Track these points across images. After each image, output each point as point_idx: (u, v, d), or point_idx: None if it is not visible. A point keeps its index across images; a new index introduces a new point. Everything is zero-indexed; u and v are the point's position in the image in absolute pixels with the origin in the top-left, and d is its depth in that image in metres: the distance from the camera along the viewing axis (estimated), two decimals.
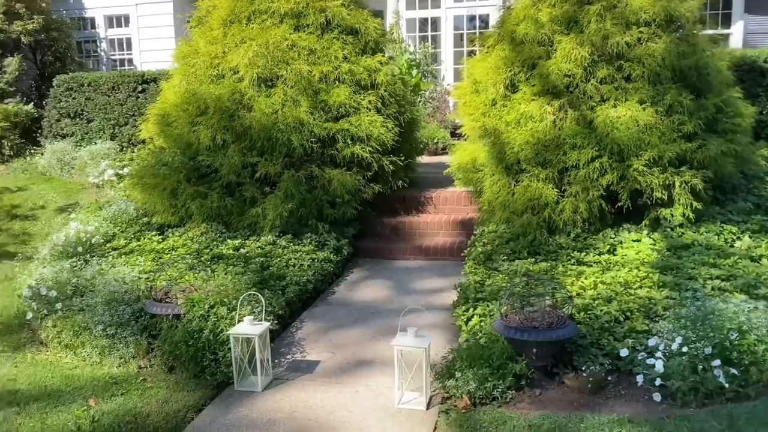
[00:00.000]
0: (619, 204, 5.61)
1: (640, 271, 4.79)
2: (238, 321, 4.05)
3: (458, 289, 4.86)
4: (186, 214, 6.32)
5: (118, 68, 12.94)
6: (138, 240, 6.11)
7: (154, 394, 3.88)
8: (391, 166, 6.59)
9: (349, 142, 6.37)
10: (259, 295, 4.33)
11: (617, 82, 5.72)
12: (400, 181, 6.91)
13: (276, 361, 4.29)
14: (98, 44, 13.11)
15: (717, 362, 3.41)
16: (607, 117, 5.57)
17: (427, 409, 3.58)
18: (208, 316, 4.24)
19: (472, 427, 3.34)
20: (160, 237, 6.15)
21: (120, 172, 8.32)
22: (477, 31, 12.18)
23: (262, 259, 5.50)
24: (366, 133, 6.36)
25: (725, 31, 11.16)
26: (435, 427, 3.42)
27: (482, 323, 4.17)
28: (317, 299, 5.50)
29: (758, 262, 4.88)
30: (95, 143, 9.54)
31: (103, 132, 9.80)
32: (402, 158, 6.77)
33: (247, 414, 3.63)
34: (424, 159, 8.83)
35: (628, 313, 4.14)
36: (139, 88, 9.77)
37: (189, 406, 3.73)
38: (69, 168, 9.20)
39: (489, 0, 11.80)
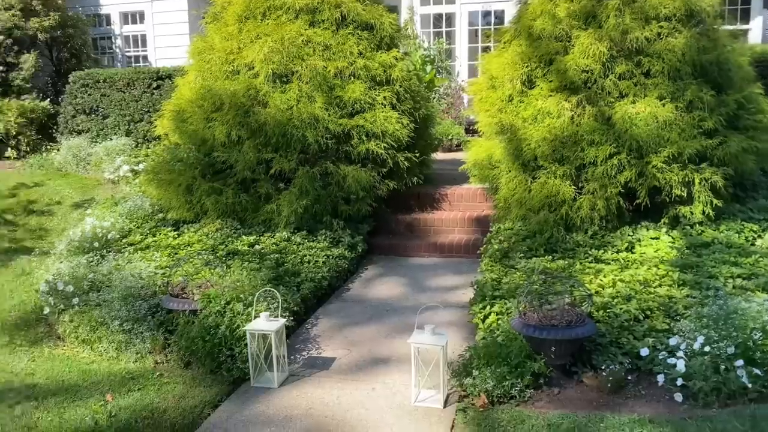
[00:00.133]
0: (638, 201, 5.54)
1: (659, 269, 4.73)
2: (255, 317, 4.04)
3: (475, 287, 4.82)
4: (201, 210, 6.32)
5: (133, 65, 12.99)
6: (154, 236, 6.12)
7: (171, 389, 3.88)
8: (406, 162, 6.55)
9: (364, 138, 6.35)
10: (276, 292, 4.32)
11: (636, 77, 5.64)
12: (415, 178, 6.88)
13: (292, 357, 4.28)
14: (113, 41, 13.17)
15: (740, 362, 3.35)
16: (626, 113, 5.50)
17: (444, 407, 3.55)
18: (224, 312, 4.24)
19: (490, 426, 3.30)
20: (175, 233, 6.16)
21: (135, 168, 8.35)
22: (492, 27, 12.10)
23: (277, 255, 5.49)
24: (381, 129, 6.33)
25: (744, 27, 11.01)
26: (452, 426, 3.39)
27: (499, 321, 4.13)
28: (332, 296, 5.49)
29: None
30: (110, 139, 9.58)
31: (119, 128, 9.84)
32: (417, 154, 6.74)
33: (263, 410, 3.62)
34: (438, 156, 8.79)
35: (648, 312, 4.09)
36: (154, 85, 9.79)
37: (205, 402, 3.73)
38: (85, 164, 9.25)
39: None
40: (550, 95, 5.84)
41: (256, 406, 3.67)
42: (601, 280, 4.57)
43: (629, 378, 3.62)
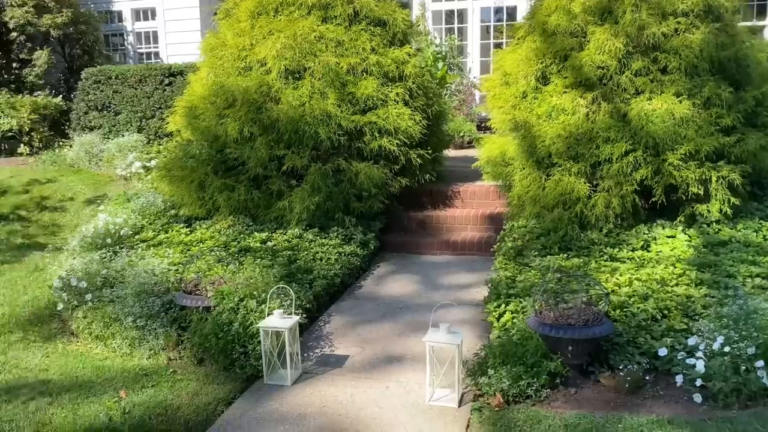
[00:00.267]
0: (653, 199, 5.47)
1: (676, 268, 4.66)
2: (268, 314, 4.03)
3: (489, 285, 4.78)
4: (213, 206, 6.32)
5: (145, 61, 13.02)
6: (166, 232, 6.12)
7: (184, 386, 3.87)
8: (418, 159, 6.52)
9: (377, 134, 6.31)
10: (289, 289, 4.30)
11: (653, 74, 5.57)
12: (428, 175, 6.84)
13: (305, 354, 4.26)
14: (125, 37, 13.21)
15: (761, 363, 3.30)
16: (642, 110, 5.44)
17: (459, 406, 3.52)
18: (237, 308, 4.22)
19: (506, 426, 3.27)
20: (187, 229, 6.16)
21: (147, 164, 8.36)
22: (504, 23, 12.03)
23: (289, 252, 5.47)
24: (394, 125, 6.30)
25: (761, 23, 10.88)
26: (468, 425, 3.36)
27: (514, 320, 4.09)
28: (344, 293, 5.47)
29: None
30: (123, 136, 9.60)
31: (130, 124, 9.86)
32: (429, 151, 6.70)
33: (277, 408, 3.61)
34: (450, 152, 8.74)
35: (666, 312, 4.03)
36: (166, 81, 9.81)
37: (219, 399, 3.72)
38: (97, 160, 9.28)
39: None
40: (565, 92, 5.78)
41: (270, 404, 3.66)
42: (617, 278, 4.52)
43: (647, 378, 3.57)
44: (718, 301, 4.01)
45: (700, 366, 3.38)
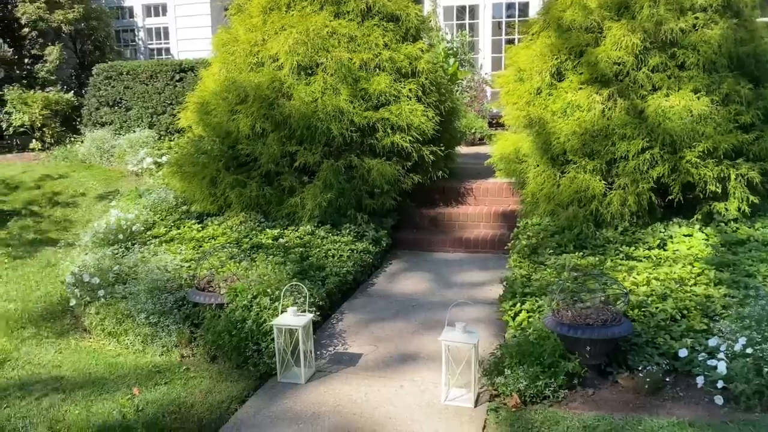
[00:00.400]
0: (670, 197, 5.40)
1: (694, 267, 4.60)
2: (282, 312, 3.99)
3: (504, 283, 4.73)
4: (225, 202, 6.30)
5: (156, 57, 13.02)
6: (178, 228, 6.10)
7: (198, 383, 3.85)
8: (431, 156, 6.46)
9: (389, 131, 6.26)
10: (303, 286, 4.26)
11: (670, 70, 5.49)
12: (440, 172, 6.79)
13: (318, 352, 4.22)
14: (136, 33, 13.21)
15: None
16: (659, 106, 5.36)
17: (475, 406, 3.48)
18: (251, 306, 4.19)
19: (524, 427, 3.22)
20: (199, 225, 6.14)
21: (158, 160, 8.35)
22: (516, 19, 11.93)
23: (301, 249, 5.44)
24: (406, 122, 6.24)
25: None
26: (484, 426, 3.31)
27: (530, 319, 4.04)
28: (357, 290, 5.43)
29: None
30: (134, 131, 9.60)
31: (142, 120, 9.85)
32: (442, 148, 6.64)
33: (291, 406, 3.58)
34: (462, 149, 8.68)
35: (685, 312, 3.97)
36: (177, 77, 9.79)
37: (232, 397, 3.69)
38: (108, 156, 9.28)
39: None
40: (580, 88, 5.71)
41: (284, 402, 3.63)
42: (634, 277, 4.45)
43: (666, 379, 3.51)
44: (739, 302, 3.94)
45: (722, 367, 3.31)
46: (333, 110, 6.08)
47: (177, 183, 6.59)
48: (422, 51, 6.64)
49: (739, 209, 5.26)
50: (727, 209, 5.30)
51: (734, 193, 5.26)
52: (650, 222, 5.48)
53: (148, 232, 6.02)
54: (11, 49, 10.83)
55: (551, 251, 5.14)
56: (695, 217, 5.44)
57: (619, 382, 3.54)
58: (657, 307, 4.00)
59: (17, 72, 10.88)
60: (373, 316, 4.84)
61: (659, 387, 3.45)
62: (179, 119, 7.36)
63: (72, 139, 10.27)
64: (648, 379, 3.41)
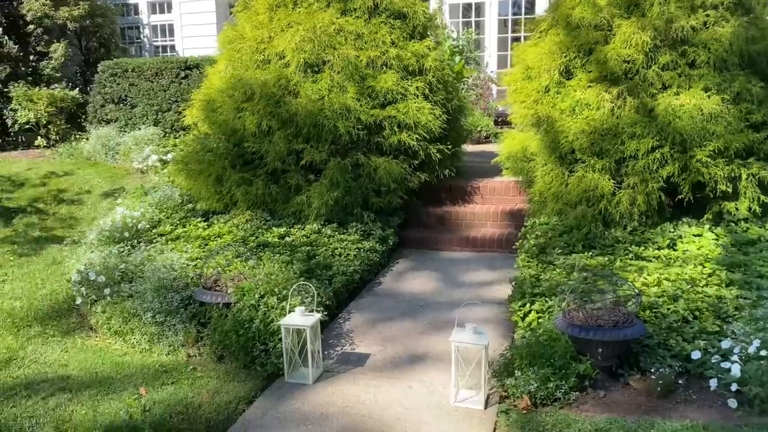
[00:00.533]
0: (680, 197, 5.35)
1: (705, 267, 4.55)
2: (289, 311, 3.96)
3: (513, 283, 4.69)
4: (231, 200, 6.27)
5: (161, 54, 12.99)
6: (183, 226, 6.08)
7: (205, 384, 3.82)
8: (438, 154, 6.42)
9: (396, 129, 6.22)
10: (311, 286, 4.23)
11: (680, 68, 5.44)
12: (447, 170, 6.74)
13: (325, 352, 4.19)
14: (141, 30, 13.18)
15: None
16: (669, 105, 5.31)
17: (485, 408, 3.44)
18: (258, 305, 4.16)
19: (535, 430, 3.18)
20: (205, 223, 6.12)
21: (164, 157, 8.33)
22: (522, 16, 11.87)
23: (307, 248, 5.41)
24: (413, 120, 6.20)
25: None
26: (495, 428, 3.28)
27: (540, 319, 4.00)
28: (363, 290, 5.40)
29: None
30: (139, 129, 9.58)
31: (147, 118, 9.83)
32: (449, 146, 6.60)
33: (299, 407, 3.55)
34: (468, 147, 8.63)
35: (697, 313, 3.92)
36: (182, 74, 9.76)
37: (240, 398, 3.66)
38: (113, 153, 9.26)
39: None
40: (589, 86, 5.66)
41: (292, 403, 3.60)
42: (645, 278, 4.41)
43: (679, 382, 3.47)
44: (752, 303, 3.90)
45: (736, 370, 3.27)
46: (340, 108, 6.05)
47: (183, 181, 6.57)
48: (429, 49, 6.60)
49: (750, 209, 5.21)
50: (737, 209, 5.25)
51: (745, 192, 5.21)
52: (659, 222, 5.44)
53: (154, 230, 5.99)
54: (16, 46, 10.79)
55: (560, 251, 5.10)
56: (705, 216, 5.39)
57: (630, 384, 3.50)
58: (669, 308, 3.96)
59: (22, 69, 10.85)
60: (381, 316, 4.81)
61: (671, 389, 3.41)
62: (185, 116, 7.33)
63: (77, 136, 10.26)
64: (660, 382, 3.37)
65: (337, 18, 6.40)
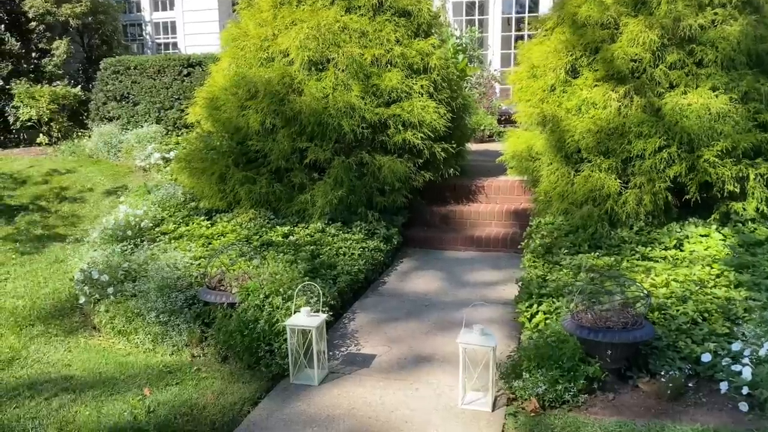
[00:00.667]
0: (687, 197, 5.31)
1: (713, 268, 4.52)
2: (295, 311, 3.93)
3: (520, 284, 4.65)
4: (234, 199, 6.23)
5: (163, 52, 12.95)
6: (187, 225, 6.04)
7: (209, 384, 3.79)
8: (442, 153, 6.38)
9: (401, 128, 6.18)
10: (316, 286, 4.20)
11: (688, 67, 5.39)
12: (451, 169, 6.71)
13: (330, 353, 4.16)
14: (143, 27, 13.14)
15: None
16: (677, 104, 5.27)
17: (493, 410, 3.41)
18: (263, 306, 4.13)
19: None
20: (208, 222, 6.08)
21: (166, 155, 8.29)
22: (526, 14, 11.82)
23: (312, 247, 5.37)
24: (418, 118, 6.16)
25: None
26: (503, 431, 3.24)
27: (547, 321, 3.96)
28: (368, 289, 5.37)
29: None
30: (141, 126, 9.54)
31: (149, 115, 9.79)
32: (453, 145, 6.56)
33: (305, 409, 3.51)
34: (471, 146, 8.57)
35: (706, 314, 3.89)
36: (185, 72, 9.72)
37: (245, 399, 3.63)
38: (116, 151, 9.23)
39: None
40: (596, 85, 5.62)
41: (297, 405, 3.56)
42: (653, 279, 4.38)
43: (689, 384, 3.43)
44: (762, 305, 3.86)
45: (747, 373, 3.24)
46: (344, 106, 6.01)
47: (185, 179, 6.53)
48: (434, 47, 6.55)
49: (758, 209, 5.18)
50: (745, 209, 5.22)
51: (753, 193, 5.17)
52: (666, 222, 5.40)
53: (157, 229, 5.96)
54: (18, 43, 10.76)
55: (566, 251, 5.06)
56: (712, 217, 5.36)
57: (639, 387, 3.47)
58: (677, 310, 3.92)
59: (24, 66, 10.81)
60: (386, 316, 4.77)
61: (681, 392, 3.38)
62: (187, 114, 7.29)
63: (79, 133, 10.23)
64: (670, 384, 3.34)
65: (342, 15, 6.36)
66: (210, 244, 5.54)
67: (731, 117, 5.17)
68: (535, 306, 4.17)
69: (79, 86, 10.71)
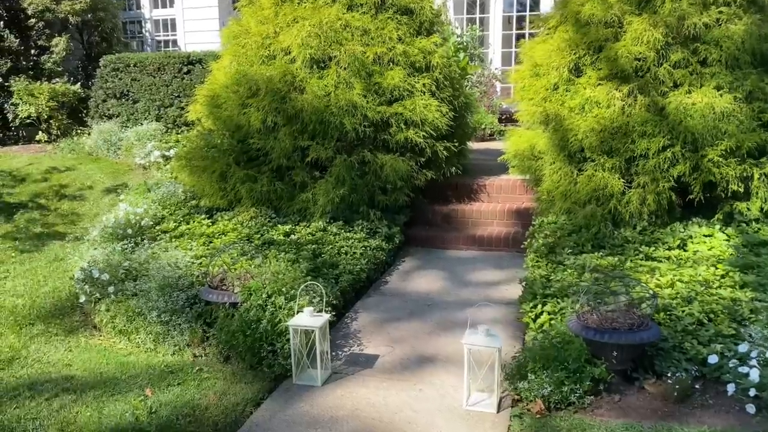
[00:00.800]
0: (690, 197, 5.29)
1: (717, 269, 4.49)
2: (297, 311, 3.90)
3: (523, 284, 4.63)
4: (235, 197, 6.20)
5: (163, 49, 12.89)
6: (187, 223, 6.00)
7: (211, 385, 3.76)
8: (444, 152, 6.35)
9: (403, 126, 6.15)
10: (319, 286, 4.17)
11: (692, 66, 5.37)
12: (453, 168, 6.68)
13: (333, 353, 4.13)
14: (143, 25, 13.09)
15: None
16: (681, 103, 5.24)
17: (498, 412, 3.38)
18: (265, 305, 4.10)
19: None
20: (209, 220, 6.04)
21: (166, 153, 8.25)
22: (527, 13, 11.78)
23: (313, 246, 5.34)
24: (420, 117, 6.13)
25: None
26: None
27: (552, 321, 3.94)
28: (370, 289, 5.34)
29: None
30: (141, 124, 9.50)
31: (149, 113, 9.75)
32: (455, 144, 6.53)
33: (308, 410, 3.48)
34: (472, 145, 8.54)
35: (712, 315, 3.86)
36: (185, 69, 9.67)
37: (247, 400, 3.60)
38: (115, 149, 9.18)
39: None
40: (599, 84, 5.59)
41: (300, 406, 3.54)
42: (657, 279, 4.35)
43: (695, 386, 3.41)
44: None
45: (755, 375, 3.21)
46: (346, 104, 5.97)
47: (186, 177, 6.50)
48: (436, 45, 6.52)
49: (762, 209, 5.16)
50: (749, 209, 5.19)
51: (757, 192, 5.15)
52: (669, 221, 5.38)
53: (157, 227, 5.92)
54: (17, 40, 10.69)
55: (569, 251, 5.04)
56: (716, 216, 5.33)
57: (646, 389, 3.44)
58: (683, 311, 3.89)
59: (23, 63, 10.75)
60: (388, 316, 4.74)
61: (688, 394, 3.35)
62: (188, 112, 7.25)
63: (79, 131, 10.17)
64: (677, 386, 3.31)
65: (344, 13, 6.32)
66: (211, 242, 5.51)
67: (735, 116, 5.14)
68: (540, 306, 4.14)
69: (79, 83, 10.65)
